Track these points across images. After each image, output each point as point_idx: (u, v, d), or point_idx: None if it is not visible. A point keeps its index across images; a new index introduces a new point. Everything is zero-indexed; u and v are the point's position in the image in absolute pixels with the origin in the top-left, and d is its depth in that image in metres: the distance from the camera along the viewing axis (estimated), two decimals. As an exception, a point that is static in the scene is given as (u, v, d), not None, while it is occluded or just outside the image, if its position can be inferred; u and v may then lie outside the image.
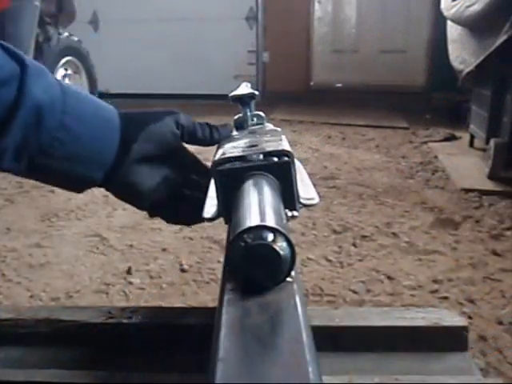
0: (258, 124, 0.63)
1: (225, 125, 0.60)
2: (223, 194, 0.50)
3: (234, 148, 0.53)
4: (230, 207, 0.46)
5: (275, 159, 0.49)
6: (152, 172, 0.54)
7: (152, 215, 0.60)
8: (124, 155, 0.51)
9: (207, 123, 0.59)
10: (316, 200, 0.51)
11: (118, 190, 0.55)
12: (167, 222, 0.61)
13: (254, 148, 0.51)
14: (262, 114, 0.64)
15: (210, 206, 0.52)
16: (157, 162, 0.54)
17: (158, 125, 0.53)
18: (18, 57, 0.45)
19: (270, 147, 0.51)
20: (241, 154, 0.50)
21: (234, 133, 0.62)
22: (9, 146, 0.44)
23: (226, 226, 0.50)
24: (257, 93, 0.63)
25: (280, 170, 0.49)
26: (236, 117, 0.64)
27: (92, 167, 0.50)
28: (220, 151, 0.53)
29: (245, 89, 0.64)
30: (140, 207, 0.58)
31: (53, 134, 0.46)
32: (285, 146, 0.51)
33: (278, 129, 0.61)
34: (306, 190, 0.52)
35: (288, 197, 0.49)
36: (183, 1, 4.98)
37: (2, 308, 0.66)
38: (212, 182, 0.52)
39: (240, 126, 0.63)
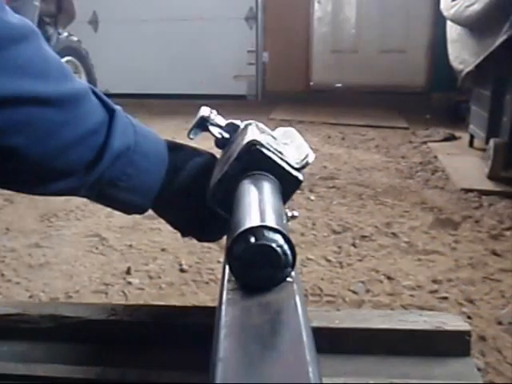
0: (234, 131, 0.59)
1: None
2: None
3: (218, 172, 0.52)
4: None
5: (247, 156, 0.49)
6: (189, 200, 0.58)
7: (184, 235, 0.64)
8: (170, 185, 0.57)
9: None
10: (310, 156, 0.52)
11: (160, 213, 0.61)
12: (199, 241, 0.65)
13: (230, 160, 0.51)
14: (234, 121, 0.60)
15: None
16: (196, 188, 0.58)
17: (200, 158, 0.59)
18: (107, 103, 0.51)
19: (238, 150, 0.50)
20: (222, 173, 0.50)
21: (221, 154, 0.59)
22: (87, 183, 0.51)
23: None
24: (207, 112, 0.59)
25: (258, 160, 0.49)
26: (213, 140, 0.60)
27: (145, 196, 0.56)
28: (212, 180, 0.53)
29: (198, 114, 0.60)
30: (175, 228, 0.63)
31: (123, 170, 0.52)
32: (247, 138, 0.50)
33: (250, 121, 0.58)
34: (299, 152, 0.53)
35: (283, 175, 0.49)
36: (183, 1, 4.98)
37: (8, 303, 0.66)
38: None
39: (223, 145, 0.59)
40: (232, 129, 0.59)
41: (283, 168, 0.49)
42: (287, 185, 0.49)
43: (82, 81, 0.51)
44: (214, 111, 0.60)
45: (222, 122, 0.59)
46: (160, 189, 0.56)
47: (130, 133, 0.53)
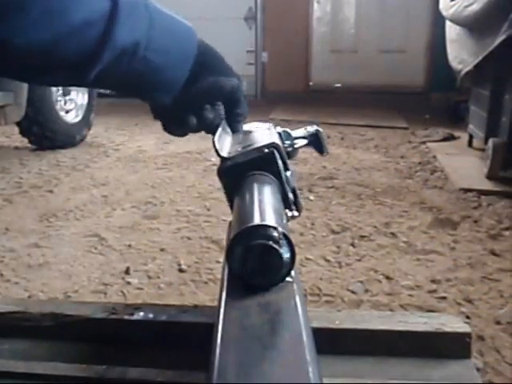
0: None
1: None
2: (228, 192, 0.52)
3: (232, 150, 0.56)
4: None
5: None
6: (202, 110, 0.58)
7: (156, 119, 0.62)
8: (188, 89, 0.55)
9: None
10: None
11: (162, 113, 0.59)
12: (164, 130, 0.62)
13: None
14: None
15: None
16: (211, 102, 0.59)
17: (225, 78, 0.58)
18: None
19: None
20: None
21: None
22: (88, 76, 0.48)
23: (225, 225, 0.50)
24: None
25: (267, 161, 0.51)
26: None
27: (164, 93, 0.54)
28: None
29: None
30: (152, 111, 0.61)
31: (134, 66, 0.49)
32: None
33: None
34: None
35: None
36: (182, 1, 4.98)
37: (10, 301, 0.66)
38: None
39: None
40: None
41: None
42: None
43: None
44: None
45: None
46: (181, 88, 0.55)
47: (143, 27, 0.49)
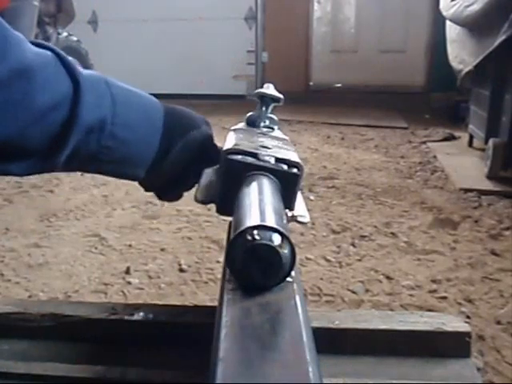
0: (269, 127, 0.63)
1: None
2: (224, 183, 0.50)
3: (247, 142, 0.53)
4: (226, 197, 0.48)
5: (285, 167, 0.49)
6: (183, 172, 0.57)
7: (148, 191, 0.62)
8: (162, 158, 0.54)
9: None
10: (307, 219, 0.53)
11: (150, 185, 0.59)
12: (159, 199, 0.63)
13: (266, 150, 0.51)
14: (275, 117, 0.64)
15: (204, 190, 0.54)
16: (189, 163, 0.58)
17: (195, 133, 0.57)
18: (73, 72, 0.46)
19: (282, 154, 0.51)
20: (254, 150, 0.50)
21: (242, 125, 0.62)
22: (58, 160, 0.47)
23: (225, 225, 0.50)
24: (282, 97, 0.63)
25: (287, 180, 0.49)
26: (251, 113, 0.64)
27: (136, 167, 0.54)
28: (232, 140, 0.53)
29: (271, 90, 0.64)
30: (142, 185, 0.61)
31: (102, 144, 0.48)
32: (297, 158, 0.52)
33: (287, 138, 0.61)
34: (298, 207, 0.53)
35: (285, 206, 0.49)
36: (182, 1, 4.98)
37: (9, 302, 0.66)
38: (214, 167, 0.55)
39: (252, 123, 0.63)
40: (270, 122, 0.64)
41: (292, 206, 0.50)
42: (285, 182, 0.49)
43: (41, 50, 0.45)
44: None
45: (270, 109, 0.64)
46: (153, 160, 0.54)
47: (106, 103, 0.48)
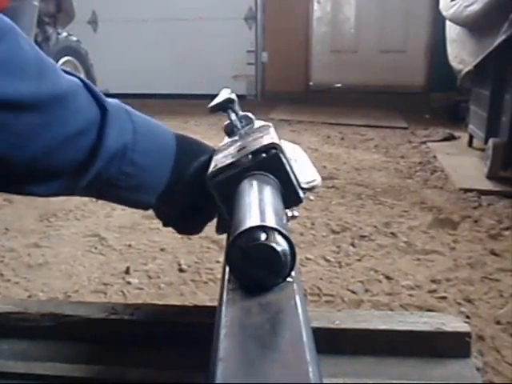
0: (247, 125, 0.62)
1: None
2: (224, 204, 0.50)
3: (224, 157, 0.53)
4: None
5: (263, 155, 0.49)
6: (197, 200, 0.58)
7: (167, 226, 0.63)
8: (175, 184, 0.56)
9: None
10: (318, 181, 0.52)
11: (166, 215, 0.60)
12: (179, 233, 0.65)
13: (242, 151, 0.51)
14: (249, 114, 0.63)
15: (221, 220, 0.56)
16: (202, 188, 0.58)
17: (207, 158, 0.57)
18: (100, 100, 0.48)
19: (256, 145, 0.51)
20: (230, 160, 0.51)
21: (226, 140, 0.61)
22: (80, 184, 0.48)
23: (226, 225, 0.50)
24: (234, 96, 0.61)
25: (272, 164, 0.49)
26: (225, 123, 0.62)
27: (148, 194, 0.55)
28: (213, 164, 0.53)
29: (223, 94, 0.62)
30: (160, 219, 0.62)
31: (122, 169, 0.50)
32: (270, 139, 0.51)
33: (268, 123, 0.60)
34: (306, 173, 0.53)
35: (288, 187, 0.49)
36: (182, 1, 4.98)
37: (9, 301, 0.66)
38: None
39: (231, 132, 0.62)
40: (246, 121, 0.61)
41: (291, 182, 0.49)
42: (287, 199, 0.49)
43: (72, 78, 0.47)
44: (235, 97, 0.62)
45: (239, 110, 0.62)
46: (166, 186, 0.55)
47: (129, 130, 0.50)
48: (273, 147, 0.49)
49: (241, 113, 0.62)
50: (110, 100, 0.50)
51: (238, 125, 0.61)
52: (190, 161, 0.57)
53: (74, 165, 0.46)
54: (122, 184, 0.51)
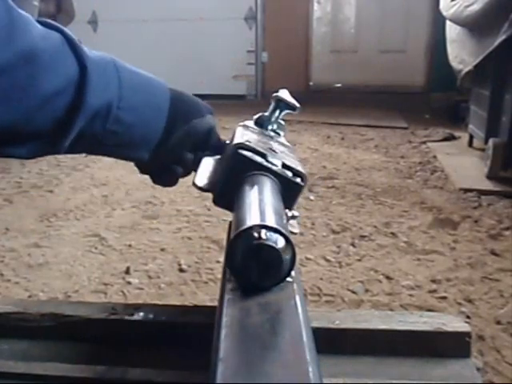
0: (276, 132, 0.64)
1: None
2: (228, 175, 0.51)
3: (256, 141, 0.54)
4: (226, 189, 0.49)
5: (290, 174, 0.51)
6: (180, 158, 0.58)
7: (142, 173, 0.62)
8: (166, 141, 0.55)
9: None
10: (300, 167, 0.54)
11: (147, 168, 0.60)
12: (154, 182, 0.63)
13: (274, 153, 0.52)
14: (284, 124, 0.65)
15: (203, 177, 0.55)
16: (188, 150, 0.59)
17: (199, 121, 0.58)
18: (80, 54, 0.45)
19: (289, 162, 0.52)
20: (263, 151, 0.51)
21: (252, 124, 0.63)
22: (62, 144, 0.46)
23: (225, 225, 0.50)
24: (298, 106, 0.65)
25: (289, 188, 0.50)
26: (261, 114, 0.64)
27: (140, 150, 0.54)
28: (242, 136, 0.54)
29: (286, 95, 0.65)
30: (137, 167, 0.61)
31: (107, 127, 0.48)
32: (302, 168, 0.53)
33: (292, 146, 0.62)
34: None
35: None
36: (182, 1, 4.98)
37: (9, 302, 0.66)
38: (214, 157, 0.57)
39: (260, 124, 0.63)
40: (278, 127, 0.65)
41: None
42: (287, 189, 0.50)
43: (50, 32, 0.44)
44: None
45: (281, 113, 0.65)
46: (158, 142, 0.54)
47: (113, 87, 0.48)
48: (301, 177, 0.52)
49: (281, 119, 0.64)
50: (96, 54, 0.48)
51: (271, 125, 0.63)
52: (182, 121, 0.56)
53: (54, 125, 0.44)
54: (108, 142, 0.50)
